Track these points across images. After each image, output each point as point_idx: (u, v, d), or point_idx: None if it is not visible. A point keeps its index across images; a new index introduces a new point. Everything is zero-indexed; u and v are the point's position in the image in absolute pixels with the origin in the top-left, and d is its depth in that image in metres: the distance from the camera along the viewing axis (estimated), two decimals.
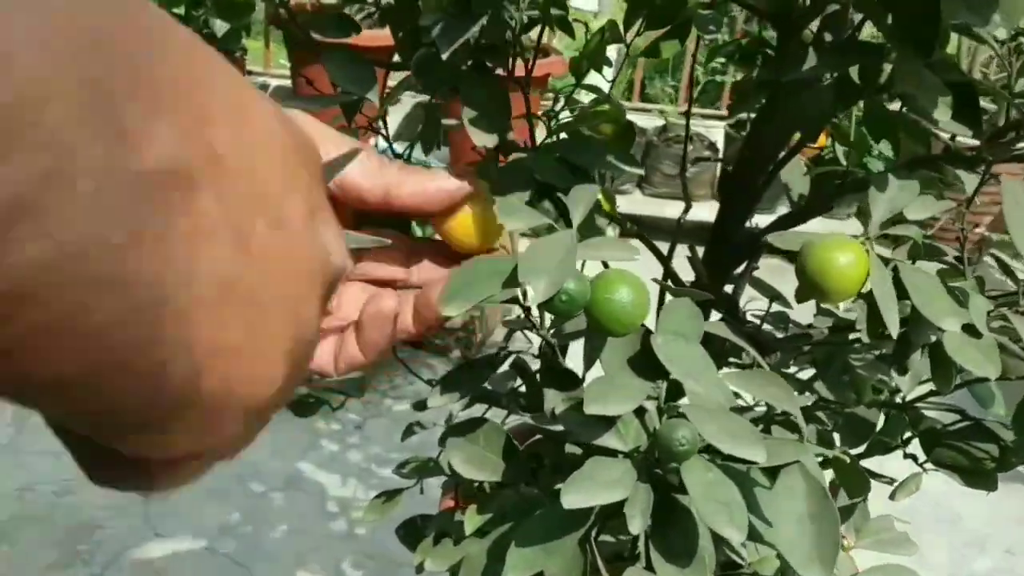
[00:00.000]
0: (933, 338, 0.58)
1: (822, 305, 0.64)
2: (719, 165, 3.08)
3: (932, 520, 1.67)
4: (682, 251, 0.84)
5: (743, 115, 0.97)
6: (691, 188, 2.89)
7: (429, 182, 0.43)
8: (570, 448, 0.66)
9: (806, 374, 0.78)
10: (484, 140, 0.51)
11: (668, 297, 0.55)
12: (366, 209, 0.41)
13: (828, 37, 0.69)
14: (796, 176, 0.87)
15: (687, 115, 1.01)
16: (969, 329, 0.58)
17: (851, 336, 0.62)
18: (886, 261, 0.57)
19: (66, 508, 1.59)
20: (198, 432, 0.23)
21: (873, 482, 0.78)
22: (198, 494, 1.66)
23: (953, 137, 0.67)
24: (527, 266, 0.46)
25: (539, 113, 0.78)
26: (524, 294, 0.56)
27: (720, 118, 3.08)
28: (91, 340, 0.19)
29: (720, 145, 2.94)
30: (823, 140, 0.98)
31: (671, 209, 2.74)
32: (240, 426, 0.25)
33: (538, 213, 0.49)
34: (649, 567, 0.49)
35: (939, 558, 1.59)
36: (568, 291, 0.46)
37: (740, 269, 0.74)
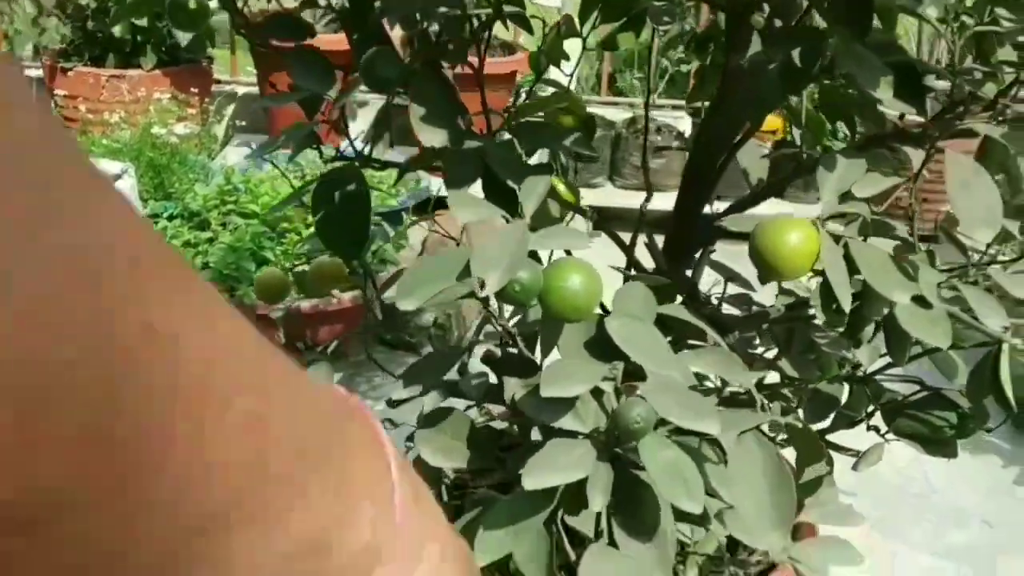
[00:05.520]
0: (886, 311, 0.60)
1: (778, 283, 0.65)
2: (687, 155, 3.08)
3: (909, 495, 1.69)
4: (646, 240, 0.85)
5: (704, 103, 0.98)
6: (660, 178, 2.90)
7: None
8: (536, 436, 0.67)
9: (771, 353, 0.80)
10: (432, 139, 0.52)
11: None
12: None
13: (778, 23, 0.70)
14: (754, 161, 0.89)
15: (647, 104, 1.03)
16: (922, 301, 0.60)
17: (807, 313, 0.63)
18: (837, 239, 0.58)
19: None
20: None
21: (840, 458, 0.80)
22: None
23: (902, 117, 0.68)
24: (480, 259, 0.47)
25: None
26: (482, 285, 0.57)
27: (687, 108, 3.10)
28: None
29: (688, 134, 2.96)
30: (781, 125, 0.99)
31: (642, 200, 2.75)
32: None
33: (490, 205, 0.50)
34: (613, 545, 0.50)
35: (917, 532, 1.61)
36: (520, 281, 0.47)
37: (699, 254, 0.75)
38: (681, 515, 0.54)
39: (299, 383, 0.28)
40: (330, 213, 0.63)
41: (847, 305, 0.54)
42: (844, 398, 0.81)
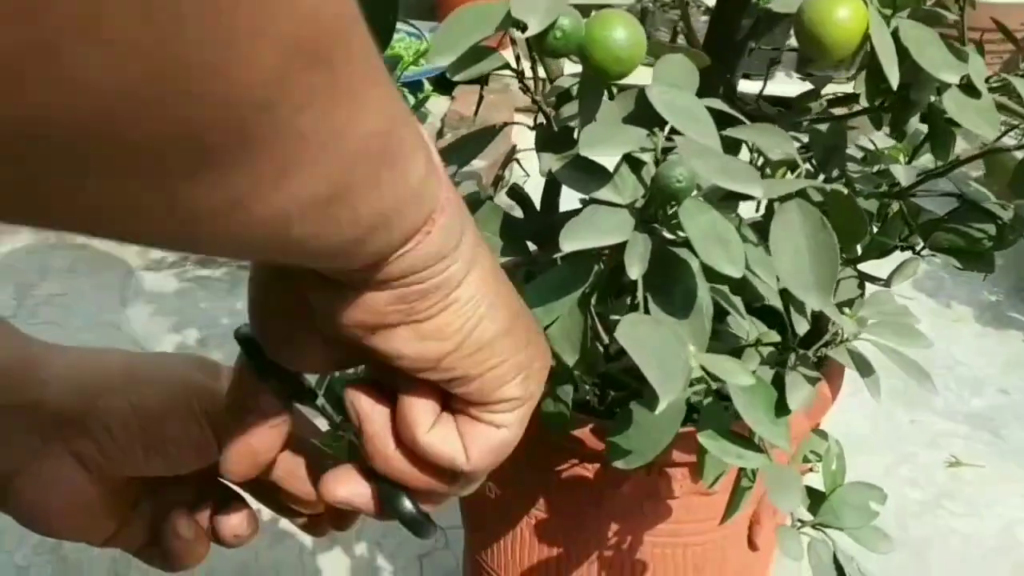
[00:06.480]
0: (932, 99, 0.58)
1: (821, 62, 0.63)
2: None
3: (931, 366, 1.69)
4: None
5: None
6: None
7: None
8: None
9: None
10: None
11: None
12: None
13: None
14: None
15: None
16: (970, 91, 0.57)
17: (852, 109, 0.61)
18: (887, 19, 0.56)
19: None
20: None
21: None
22: None
23: None
24: (520, 3, 0.45)
25: None
26: (518, 60, 0.55)
27: None
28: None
29: None
30: None
31: None
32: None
33: None
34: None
35: (938, 399, 1.62)
36: (562, 27, 0.45)
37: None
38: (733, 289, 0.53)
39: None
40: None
41: (895, 80, 0.52)
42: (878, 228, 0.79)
